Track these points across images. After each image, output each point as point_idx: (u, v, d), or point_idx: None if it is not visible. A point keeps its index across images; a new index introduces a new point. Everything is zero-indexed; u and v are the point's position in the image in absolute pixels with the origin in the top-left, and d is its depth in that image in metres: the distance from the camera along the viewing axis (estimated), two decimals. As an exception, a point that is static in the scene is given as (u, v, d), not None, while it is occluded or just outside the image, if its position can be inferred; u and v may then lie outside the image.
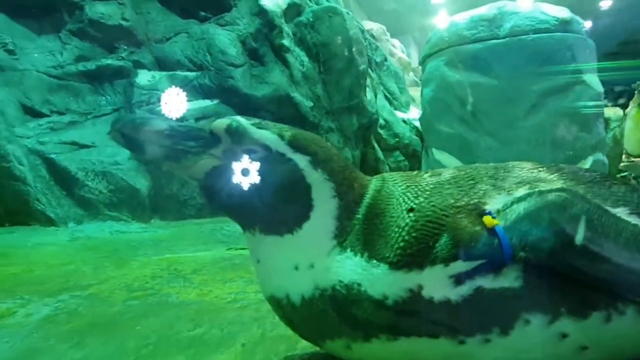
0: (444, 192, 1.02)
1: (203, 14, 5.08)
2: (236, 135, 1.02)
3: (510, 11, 5.45)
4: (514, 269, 0.92)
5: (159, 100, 4.55)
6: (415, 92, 8.25)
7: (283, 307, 1.05)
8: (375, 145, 5.93)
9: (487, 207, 1.00)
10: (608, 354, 0.99)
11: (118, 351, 1.31)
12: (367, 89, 5.64)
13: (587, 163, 5.29)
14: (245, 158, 1.00)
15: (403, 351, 0.97)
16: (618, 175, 6.25)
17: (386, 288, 0.94)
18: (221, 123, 1.04)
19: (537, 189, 1.01)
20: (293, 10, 5.27)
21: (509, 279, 0.92)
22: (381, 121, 6.30)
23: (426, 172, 1.16)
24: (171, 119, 1.20)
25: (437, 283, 0.93)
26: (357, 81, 5.31)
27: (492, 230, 0.94)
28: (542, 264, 0.92)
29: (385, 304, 0.94)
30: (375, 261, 0.96)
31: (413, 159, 6.39)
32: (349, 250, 0.99)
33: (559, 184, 1.05)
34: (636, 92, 8.81)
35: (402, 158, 6.36)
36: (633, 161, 8.89)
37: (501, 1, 5.61)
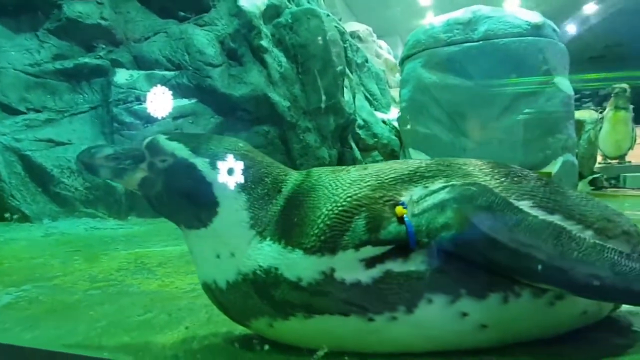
0: (363, 184, 1.11)
1: (182, 14, 5.15)
2: (153, 149, 1.19)
3: (484, 15, 5.59)
4: (420, 253, 1.02)
5: (136, 98, 4.63)
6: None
7: (212, 291, 1.16)
8: (353, 145, 6.04)
9: (402, 199, 1.09)
10: (507, 332, 1.08)
11: (68, 333, 1.39)
12: (345, 89, 5.74)
13: (557, 164, 5.44)
14: (159, 167, 1.17)
15: (318, 328, 1.06)
16: (590, 177, 6.41)
17: (301, 271, 1.04)
18: (145, 140, 1.21)
19: (450, 183, 1.10)
20: (272, 11, 5.36)
21: (415, 263, 1.02)
22: (360, 121, 6.41)
23: (354, 167, 1.25)
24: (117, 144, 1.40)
25: (348, 266, 1.02)
26: (335, 82, 5.41)
27: (401, 219, 1.03)
28: (446, 249, 1.01)
29: (300, 286, 1.03)
30: (291, 247, 1.05)
31: (391, 159, 6.50)
32: (268, 238, 1.09)
33: (472, 179, 1.14)
34: (612, 95, 9.02)
35: (380, 158, 6.47)
36: (610, 163, 9.08)
37: (476, 5, 5.75)
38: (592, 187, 6.42)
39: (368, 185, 1.11)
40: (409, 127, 5.99)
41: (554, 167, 5.40)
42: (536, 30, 5.41)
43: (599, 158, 8.91)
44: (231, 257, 1.11)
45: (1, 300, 1.79)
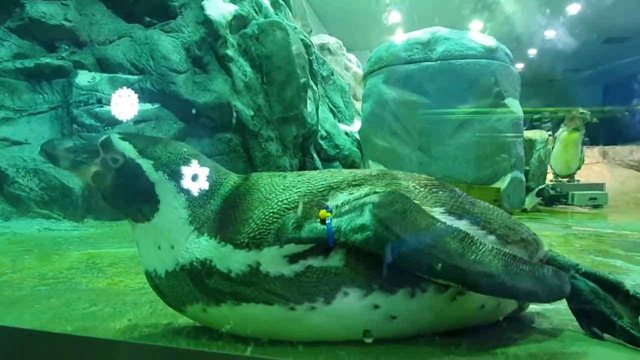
0: (294, 190, 1.24)
1: (148, 19, 5.20)
2: (105, 147, 1.30)
3: (442, 36, 5.89)
4: (339, 252, 1.14)
5: (97, 101, 4.64)
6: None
7: (153, 279, 1.27)
8: (315, 155, 6.19)
9: (328, 203, 1.23)
10: (414, 324, 1.22)
11: (12, 323, 1.44)
12: (309, 101, 5.90)
13: (506, 180, 5.75)
14: (110, 164, 1.30)
15: (246, 314, 1.18)
16: (537, 189, 6.76)
17: (230, 264, 1.16)
18: (101, 138, 1.32)
19: (373, 190, 1.24)
20: (239, 21, 5.48)
21: (334, 260, 1.15)
22: (323, 132, 6.58)
23: (291, 173, 1.38)
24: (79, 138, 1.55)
25: (272, 261, 1.14)
26: (298, 93, 5.56)
27: (324, 221, 1.17)
28: (361, 248, 1.13)
29: (229, 276, 1.16)
30: (224, 242, 1.17)
31: (352, 170, 6.69)
32: (205, 234, 1.21)
33: (394, 187, 1.29)
34: (572, 117, 9.48)
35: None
36: (560, 181, 9.54)
37: (435, 27, 6.05)
38: (540, 198, 6.75)
39: (298, 190, 1.24)
40: (369, 139, 6.20)
41: (503, 183, 5.71)
42: (490, 53, 5.74)
43: (550, 176, 9.38)
44: (171, 249, 1.22)
45: (-53, 294, 1.82)
